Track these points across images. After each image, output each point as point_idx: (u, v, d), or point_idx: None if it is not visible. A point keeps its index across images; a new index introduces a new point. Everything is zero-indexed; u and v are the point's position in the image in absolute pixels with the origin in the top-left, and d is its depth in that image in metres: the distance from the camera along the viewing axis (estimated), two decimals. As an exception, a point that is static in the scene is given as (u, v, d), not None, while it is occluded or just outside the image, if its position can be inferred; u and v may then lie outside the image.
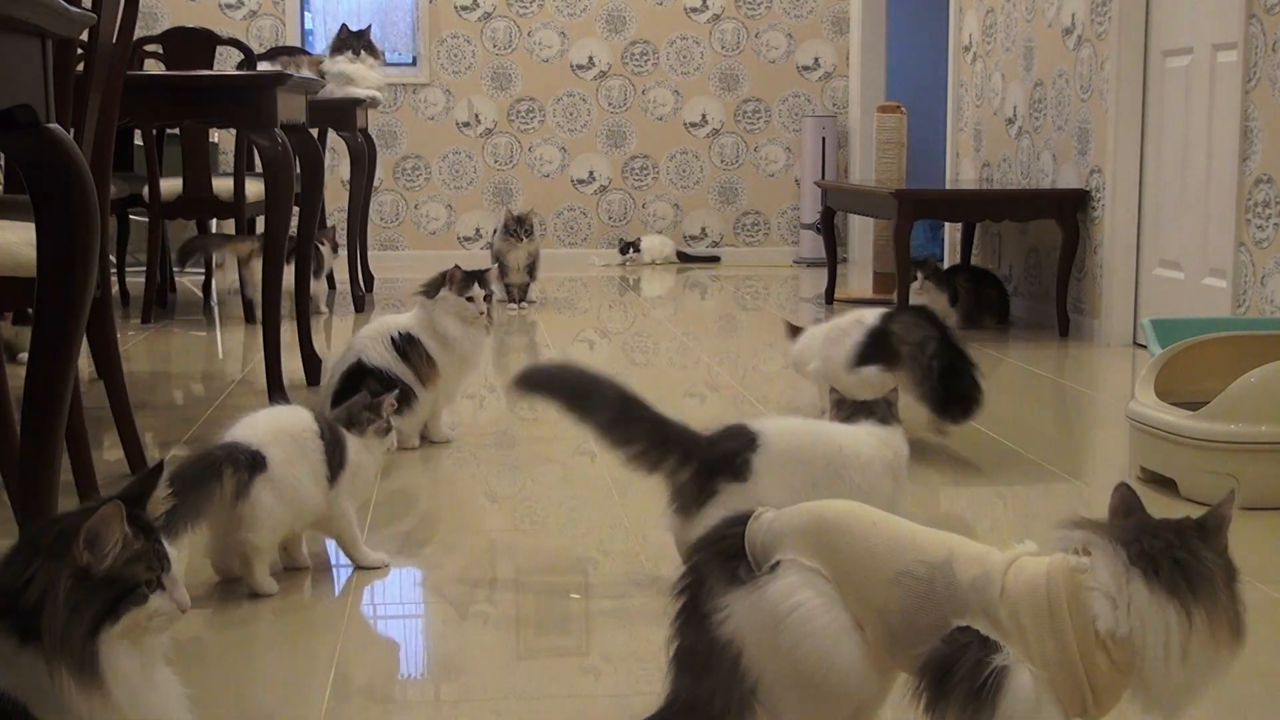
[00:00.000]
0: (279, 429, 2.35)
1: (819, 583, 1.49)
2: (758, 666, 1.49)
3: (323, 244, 5.79)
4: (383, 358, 3.32)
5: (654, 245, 8.03)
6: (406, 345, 3.34)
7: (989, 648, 1.41)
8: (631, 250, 7.93)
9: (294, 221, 4.24)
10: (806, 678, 1.47)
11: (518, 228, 5.97)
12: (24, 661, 1.35)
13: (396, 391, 2.61)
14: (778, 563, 1.50)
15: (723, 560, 1.53)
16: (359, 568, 2.46)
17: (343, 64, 6.11)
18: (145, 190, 5.58)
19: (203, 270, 6.87)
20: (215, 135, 7.17)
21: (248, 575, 2.32)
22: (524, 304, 6.13)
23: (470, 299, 3.35)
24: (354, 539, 2.45)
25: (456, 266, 3.39)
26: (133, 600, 1.41)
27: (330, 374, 3.44)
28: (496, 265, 6.04)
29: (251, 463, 2.26)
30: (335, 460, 2.38)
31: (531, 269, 6.12)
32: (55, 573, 1.37)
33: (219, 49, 5.53)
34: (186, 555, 2.55)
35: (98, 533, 1.39)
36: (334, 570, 2.49)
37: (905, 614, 1.46)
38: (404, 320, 3.40)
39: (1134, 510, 1.53)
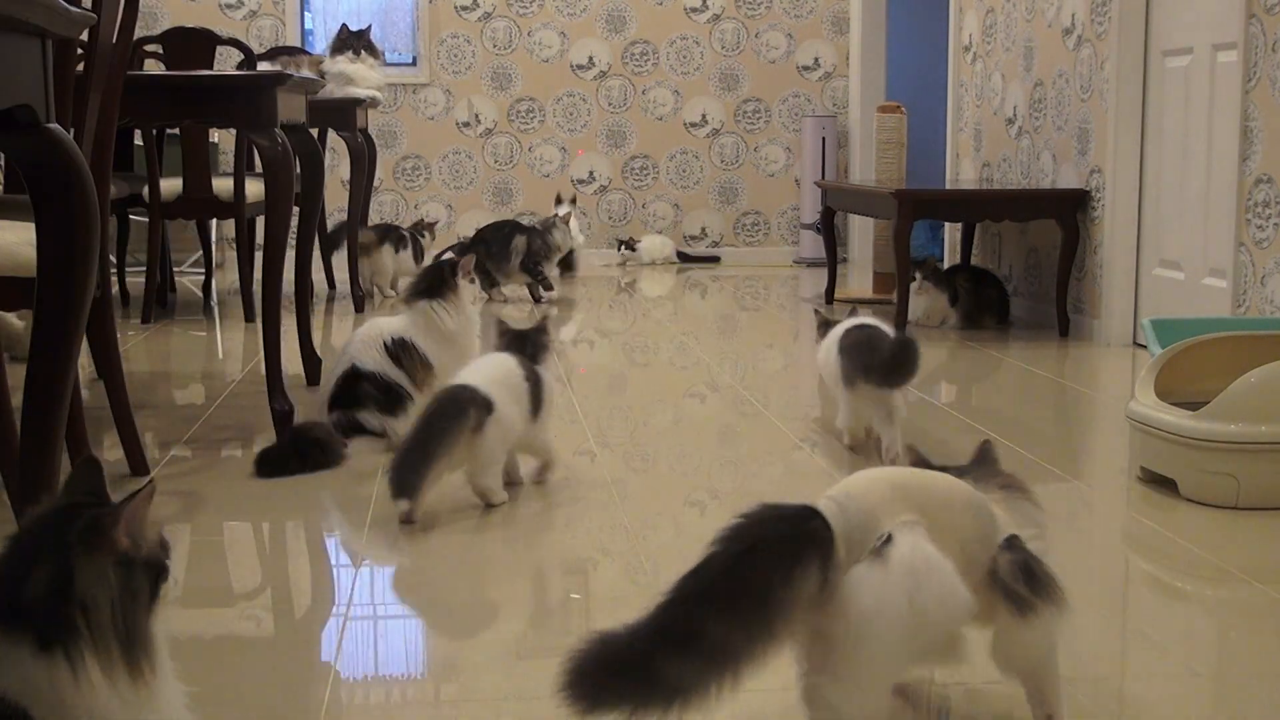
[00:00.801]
0: (498, 377, 2.85)
1: (924, 534, 1.63)
2: (876, 633, 1.58)
3: (423, 235, 6.51)
4: (376, 362, 3.33)
5: (654, 245, 8.03)
6: (399, 350, 3.35)
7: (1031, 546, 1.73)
8: (624, 249, 7.94)
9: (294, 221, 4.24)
10: (936, 621, 1.62)
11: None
12: (32, 665, 1.33)
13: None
14: (888, 535, 1.60)
15: (819, 545, 1.59)
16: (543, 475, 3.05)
17: (343, 64, 6.11)
18: (145, 190, 5.57)
19: (203, 270, 6.88)
20: (215, 135, 7.17)
21: (484, 497, 2.85)
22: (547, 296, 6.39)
23: (474, 281, 3.48)
24: (552, 460, 3.05)
25: (470, 256, 3.48)
26: (164, 576, 1.42)
27: (327, 378, 3.45)
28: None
29: (486, 405, 2.77)
30: (537, 398, 2.90)
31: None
32: (100, 566, 1.37)
33: (219, 49, 5.52)
34: (184, 556, 2.55)
35: (138, 518, 1.39)
36: (334, 570, 2.49)
37: (981, 536, 1.68)
38: (397, 325, 3.40)
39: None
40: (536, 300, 6.32)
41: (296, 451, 3.13)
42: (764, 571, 1.56)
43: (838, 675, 1.60)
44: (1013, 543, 1.70)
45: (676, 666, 1.54)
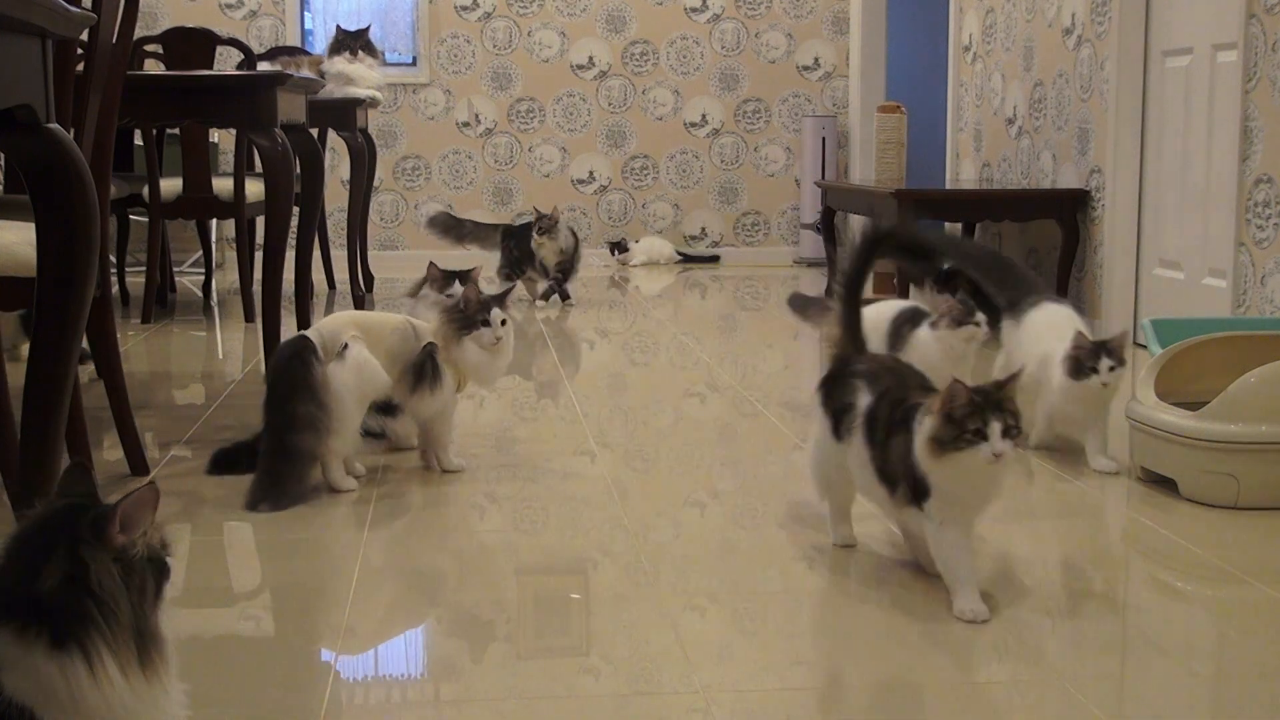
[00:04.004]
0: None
1: (364, 344, 2.95)
2: (344, 397, 2.93)
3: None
4: None
5: (653, 246, 8.02)
6: None
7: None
8: (618, 250, 7.93)
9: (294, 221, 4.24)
10: (370, 390, 2.98)
11: (536, 224, 6.13)
12: (39, 664, 1.32)
13: None
14: (346, 344, 2.92)
15: (311, 350, 2.90)
16: None
17: (341, 64, 6.11)
18: (145, 190, 5.58)
19: (203, 270, 6.88)
20: (215, 135, 7.17)
21: None
22: (566, 302, 6.24)
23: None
24: None
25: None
26: (166, 573, 1.42)
27: None
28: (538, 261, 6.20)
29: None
30: None
31: (562, 267, 6.22)
32: (109, 561, 1.37)
33: (219, 49, 5.52)
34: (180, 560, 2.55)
35: (131, 515, 1.39)
36: (334, 570, 2.49)
37: (401, 346, 2.99)
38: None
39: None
40: (564, 299, 6.26)
41: (252, 451, 3.15)
42: (297, 368, 2.87)
43: (332, 429, 2.90)
44: (429, 348, 3.00)
45: (296, 439, 2.86)
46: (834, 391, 2.45)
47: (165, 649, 1.40)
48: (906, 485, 2.25)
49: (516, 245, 6.22)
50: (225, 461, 3.14)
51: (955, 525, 2.22)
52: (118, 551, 1.38)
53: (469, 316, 3.07)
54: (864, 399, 2.35)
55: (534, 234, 6.12)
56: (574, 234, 6.28)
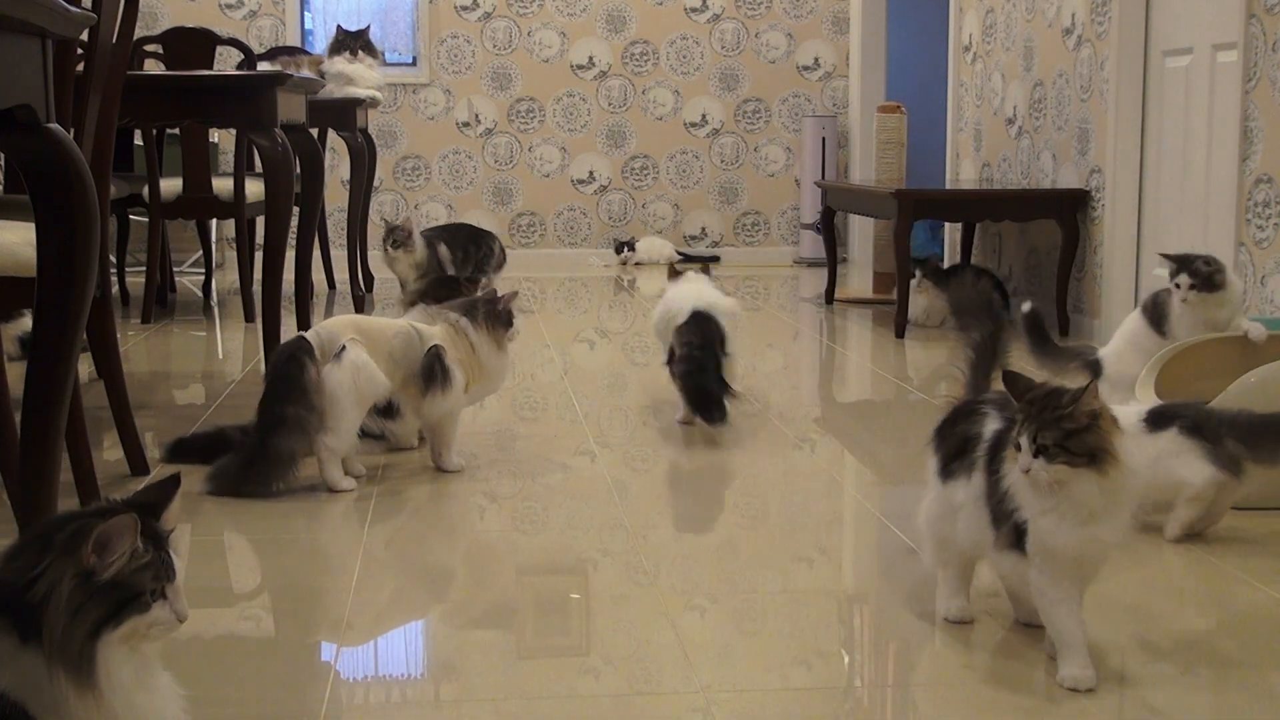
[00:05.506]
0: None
1: (362, 347, 2.97)
2: (340, 398, 2.95)
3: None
4: None
5: (653, 246, 8.02)
6: None
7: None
8: (626, 250, 7.92)
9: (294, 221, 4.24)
10: (368, 392, 2.99)
11: (388, 237, 5.51)
12: (24, 660, 1.35)
13: None
14: (344, 346, 2.94)
15: (307, 351, 2.94)
16: None
17: (341, 64, 6.11)
18: (145, 190, 5.57)
19: (203, 270, 6.88)
20: (215, 135, 7.17)
21: None
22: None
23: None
24: None
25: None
26: (136, 608, 1.40)
27: None
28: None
29: None
30: None
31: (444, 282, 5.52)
32: (61, 572, 1.37)
33: (219, 49, 5.52)
34: (185, 562, 2.56)
35: (108, 539, 1.39)
36: (333, 570, 2.49)
37: (404, 351, 3.02)
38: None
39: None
40: None
41: (204, 447, 3.23)
42: (292, 369, 2.92)
43: (328, 429, 2.93)
44: (435, 350, 3.03)
45: (277, 440, 2.90)
46: (952, 429, 2.11)
47: (95, 677, 1.38)
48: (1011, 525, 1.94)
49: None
50: (182, 450, 3.24)
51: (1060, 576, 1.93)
52: (84, 569, 1.38)
53: (508, 316, 3.16)
54: (991, 426, 2.01)
55: (386, 248, 5.47)
56: (465, 242, 5.70)
